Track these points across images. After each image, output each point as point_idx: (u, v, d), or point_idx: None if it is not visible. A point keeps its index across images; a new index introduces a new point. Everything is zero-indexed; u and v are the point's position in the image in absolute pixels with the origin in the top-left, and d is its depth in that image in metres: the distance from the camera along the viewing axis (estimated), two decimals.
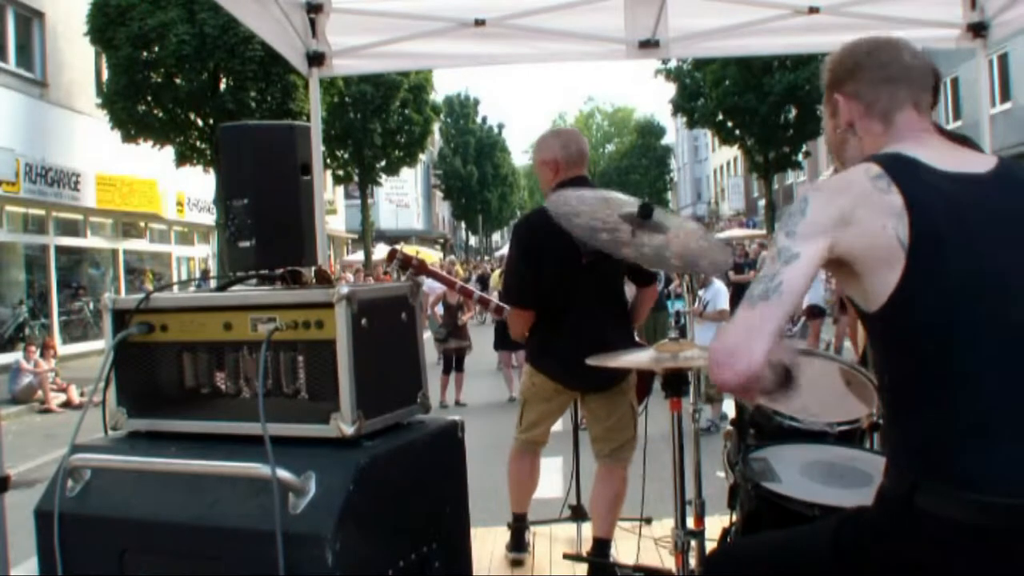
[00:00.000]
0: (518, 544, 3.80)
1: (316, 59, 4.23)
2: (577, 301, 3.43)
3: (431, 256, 31.07)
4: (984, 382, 1.47)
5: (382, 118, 26.43)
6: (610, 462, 3.55)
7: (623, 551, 3.69)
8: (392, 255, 3.88)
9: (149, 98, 16.63)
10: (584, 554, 3.75)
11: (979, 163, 1.62)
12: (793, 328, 13.81)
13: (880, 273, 1.51)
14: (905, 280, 1.49)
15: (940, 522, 1.44)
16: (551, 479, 5.84)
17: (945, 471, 1.45)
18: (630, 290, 3.80)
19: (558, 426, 3.89)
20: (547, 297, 3.47)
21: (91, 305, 18.02)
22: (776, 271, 1.49)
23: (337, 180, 29.07)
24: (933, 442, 1.49)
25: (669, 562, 3.46)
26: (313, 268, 2.21)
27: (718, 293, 8.25)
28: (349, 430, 1.80)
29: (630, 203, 2.72)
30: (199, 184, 20.08)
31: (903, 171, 1.54)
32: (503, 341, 10.00)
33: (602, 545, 3.53)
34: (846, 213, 1.52)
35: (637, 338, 3.71)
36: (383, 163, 28.47)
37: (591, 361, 3.13)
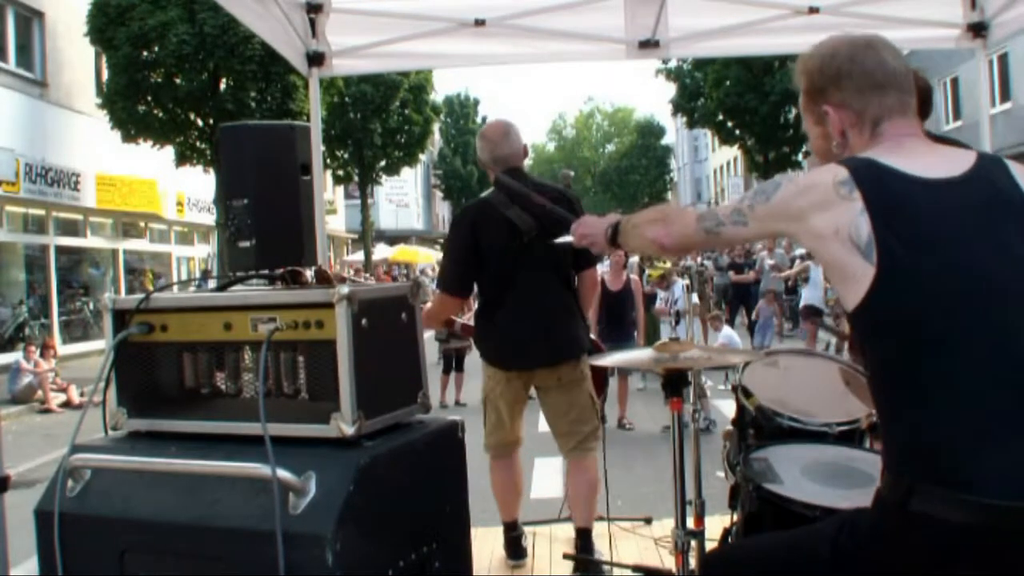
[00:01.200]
0: (516, 552, 3.77)
1: (316, 59, 4.23)
2: (519, 281, 3.43)
3: (431, 257, 31.09)
4: (969, 383, 1.47)
5: (382, 118, 26.43)
6: (578, 454, 3.55)
7: (623, 551, 3.69)
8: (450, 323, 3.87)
9: (149, 98, 16.62)
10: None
11: (955, 165, 1.61)
12: (793, 328, 13.79)
13: (838, 279, 1.58)
14: (875, 284, 1.50)
15: (936, 525, 1.44)
16: (551, 479, 5.85)
17: (939, 474, 1.45)
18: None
19: None
20: (489, 278, 3.49)
21: (91, 305, 18.01)
22: (725, 221, 1.73)
23: (337, 180, 29.08)
24: (924, 445, 1.49)
25: (669, 562, 3.45)
26: (313, 268, 2.21)
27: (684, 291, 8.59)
28: (349, 430, 1.80)
29: None
30: (199, 184, 20.08)
31: (870, 177, 1.55)
32: None
33: (585, 536, 3.54)
34: (803, 214, 1.59)
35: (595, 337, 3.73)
36: (383, 163, 28.48)
37: (593, 361, 3.14)
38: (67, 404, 12.07)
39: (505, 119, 3.71)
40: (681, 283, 8.73)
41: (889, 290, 1.50)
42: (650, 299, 10.12)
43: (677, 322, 3.07)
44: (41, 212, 16.73)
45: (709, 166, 58.11)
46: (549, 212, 2.76)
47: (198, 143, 17.48)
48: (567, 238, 2.57)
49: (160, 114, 16.84)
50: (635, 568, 3.51)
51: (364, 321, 1.84)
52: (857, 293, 1.53)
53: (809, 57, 1.76)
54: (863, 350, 1.63)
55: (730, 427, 2.98)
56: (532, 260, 3.40)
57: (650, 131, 61.35)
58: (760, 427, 2.80)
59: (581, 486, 3.55)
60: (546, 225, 3.22)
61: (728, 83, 26.62)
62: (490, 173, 3.58)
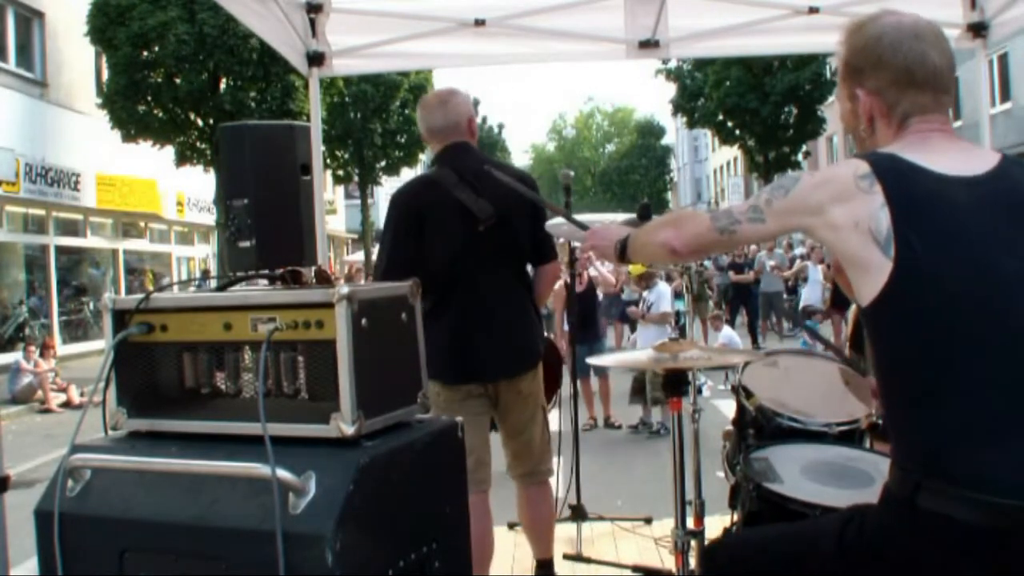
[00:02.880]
0: None
1: (316, 59, 4.23)
2: (470, 277, 2.95)
3: None
4: (980, 382, 1.47)
5: (382, 118, 26.42)
6: (531, 480, 3.20)
7: (623, 551, 3.69)
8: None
9: (149, 98, 16.63)
10: (584, 554, 3.75)
11: (979, 163, 1.60)
12: (793, 329, 13.80)
13: (855, 272, 1.57)
14: (891, 279, 1.49)
15: (943, 522, 1.44)
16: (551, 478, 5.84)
17: (947, 471, 1.45)
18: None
19: (554, 426, 3.87)
20: (435, 274, 2.90)
21: (91, 305, 18.02)
22: (741, 218, 1.71)
23: (337, 180, 29.08)
24: (933, 442, 1.49)
25: (669, 562, 3.46)
26: (313, 268, 2.21)
27: (661, 296, 8.38)
28: (349, 430, 1.79)
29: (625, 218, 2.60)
30: (199, 184, 20.08)
31: (891, 172, 1.54)
32: None
33: (547, 565, 3.32)
34: (822, 206, 1.57)
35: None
36: (383, 163, 28.47)
37: (591, 360, 3.12)
38: (67, 404, 12.07)
39: (452, 87, 3.18)
40: (662, 286, 8.59)
41: (905, 285, 1.49)
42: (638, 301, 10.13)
43: (677, 321, 3.07)
44: (41, 212, 16.73)
45: (709, 166, 58.11)
46: (530, 199, 2.56)
47: (198, 143, 17.49)
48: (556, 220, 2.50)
49: (160, 114, 16.85)
50: (635, 568, 3.52)
51: (364, 321, 1.84)
52: (873, 288, 1.52)
53: (855, 30, 1.71)
54: (873, 345, 1.62)
55: (730, 427, 2.99)
56: (486, 252, 2.92)
57: (650, 131, 61.33)
58: (760, 427, 2.80)
59: (538, 520, 3.24)
60: (505, 211, 2.89)
61: (728, 83, 26.63)
62: (432, 148, 3.15)
